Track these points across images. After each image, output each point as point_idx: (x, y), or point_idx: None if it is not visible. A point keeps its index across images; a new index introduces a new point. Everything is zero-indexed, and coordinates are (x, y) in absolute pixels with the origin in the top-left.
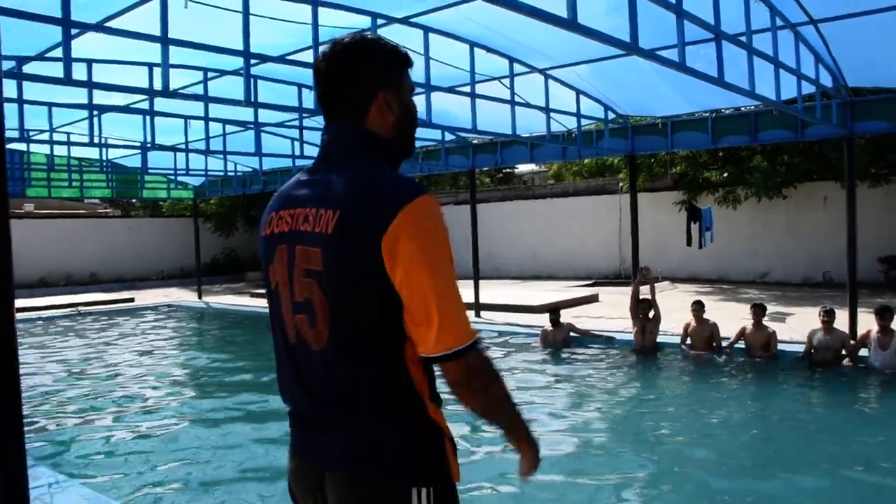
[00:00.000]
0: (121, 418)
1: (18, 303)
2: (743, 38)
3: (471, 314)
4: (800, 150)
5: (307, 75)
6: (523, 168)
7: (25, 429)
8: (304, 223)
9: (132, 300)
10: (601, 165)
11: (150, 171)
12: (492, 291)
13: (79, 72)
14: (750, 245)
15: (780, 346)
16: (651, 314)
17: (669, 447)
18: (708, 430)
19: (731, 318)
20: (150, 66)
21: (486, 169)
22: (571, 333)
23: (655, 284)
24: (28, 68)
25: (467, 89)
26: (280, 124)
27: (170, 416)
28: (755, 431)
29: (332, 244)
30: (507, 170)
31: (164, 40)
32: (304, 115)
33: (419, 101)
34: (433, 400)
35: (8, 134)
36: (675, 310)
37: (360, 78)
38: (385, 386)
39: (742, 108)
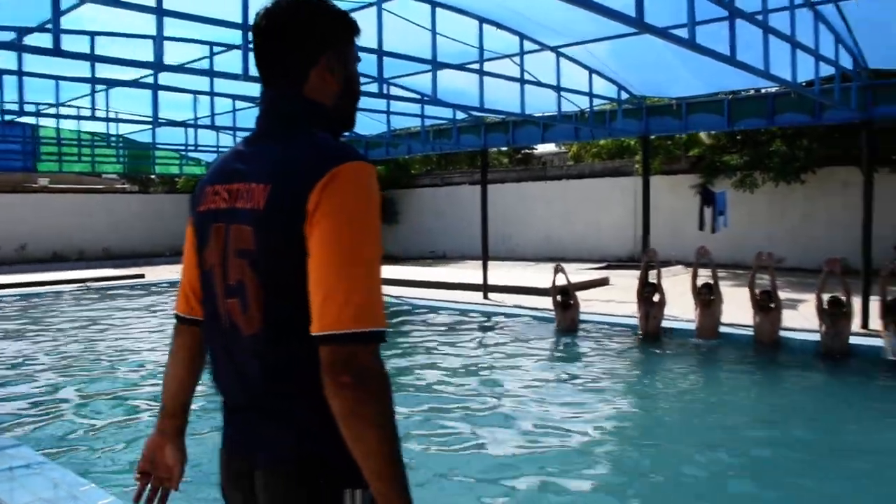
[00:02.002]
0: (115, 396)
1: (29, 277)
2: (760, 17)
3: (478, 296)
4: (819, 134)
5: None
6: (543, 149)
7: (16, 406)
8: (240, 199)
9: (142, 276)
10: (620, 147)
11: (159, 146)
12: (503, 273)
13: (81, 44)
14: (766, 230)
15: (791, 334)
16: (656, 298)
17: (661, 436)
18: (704, 420)
19: (746, 303)
20: (154, 38)
21: (504, 150)
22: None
23: (669, 269)
24: (29, 40)
25: (477, 66)
26: None
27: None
28: (759, 422)
29: (263, 221)
30: (527, 151)
31: (159, 11)
32: None
33: (426, 78)
34: None
35: (8, 106)
36: (685, 293)
37: (304, 36)
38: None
39: (762, 91)
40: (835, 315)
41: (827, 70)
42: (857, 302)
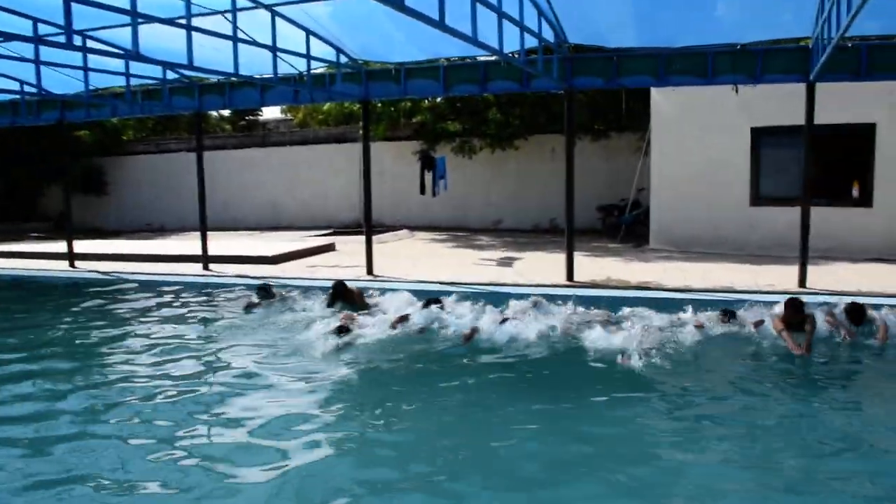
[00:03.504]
0: None
1: None
2: None
3: (198, 267)
4: (531, 103)
5: None
6: (269, 116)
7: None
8: None
9: None
10: (347, 114)
11: None
12: (225, 243)
13: None
14: (485, 194)
15: (504, 289)
16: None
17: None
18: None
19: (465, 263)
20: None
21: (227, 116)
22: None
23: (394, 233)
24: None
25: (185, 22)
26: None
27: None
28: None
29: None
30: (251, 117)
31: None
32: None
33: (125, 31)
34: None
35: None
36: (411, 256)
37: None
38: None
39: (478, 59)
40: None
41: (532, 42)
42: (562, 258)
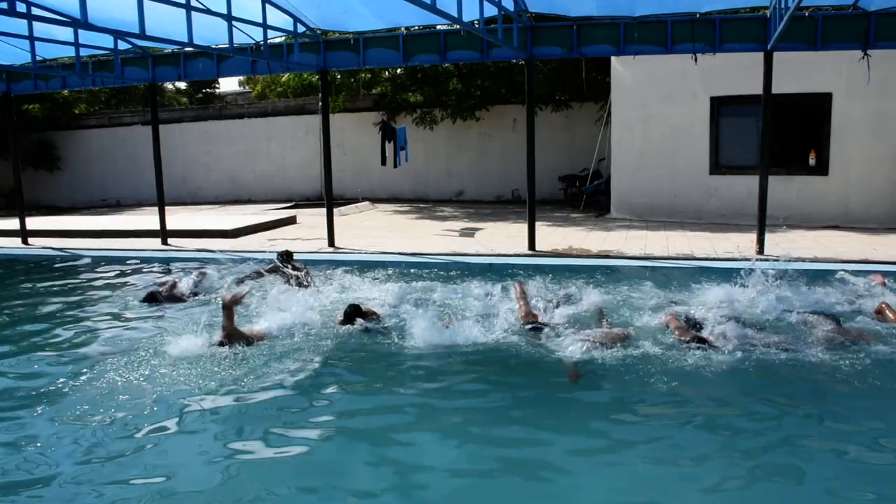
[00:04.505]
0: None
1: None
2: None
3: (157, 242)
4: (492, 74)
5: None
6: (226, 88)
7: None
8: None
9: None
10: (306, 86)
11: None
12: (184, 217)
13: None
14: (446, 165)
15: (464, 259)
16: None
17: None
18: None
19: (427, 234)
20: None
21: (183, 89)
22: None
23: (355, 205)
24: None
25: None
26: None
27: None
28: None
29: None
30: (209, 90)
31: None
32: None
33: None
34: None
35: None
36: (372, 228)
37: None
38: None
39: (438, 28)
40: None
41: (492, 11)
42: (524, 228)
